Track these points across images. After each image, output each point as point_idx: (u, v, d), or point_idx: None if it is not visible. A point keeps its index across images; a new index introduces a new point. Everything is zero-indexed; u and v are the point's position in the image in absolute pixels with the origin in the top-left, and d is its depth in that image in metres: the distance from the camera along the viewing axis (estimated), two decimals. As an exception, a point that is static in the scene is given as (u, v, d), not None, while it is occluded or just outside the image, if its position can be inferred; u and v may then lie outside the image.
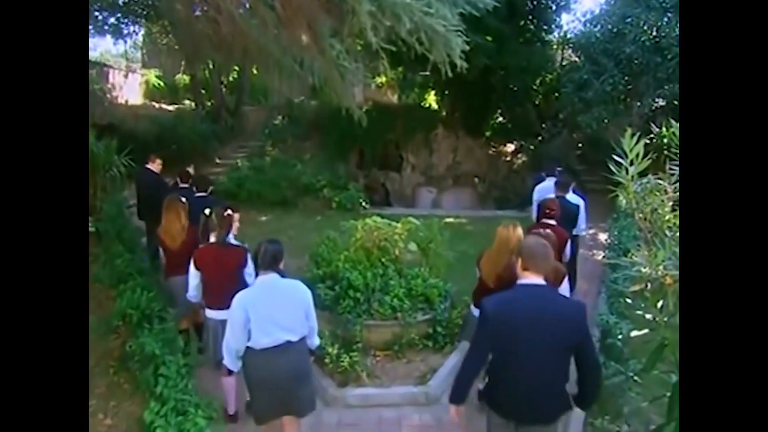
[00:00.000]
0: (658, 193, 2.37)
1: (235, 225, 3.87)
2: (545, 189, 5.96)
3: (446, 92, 15.05)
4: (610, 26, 10.86)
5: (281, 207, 10.59)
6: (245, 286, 3.34)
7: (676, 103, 9.76)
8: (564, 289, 3.40)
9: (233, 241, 3.82)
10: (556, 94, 13.52)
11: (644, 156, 2.30)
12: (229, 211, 3.79)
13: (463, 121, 14.22)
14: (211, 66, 13.63)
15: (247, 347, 2.91)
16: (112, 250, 5.60)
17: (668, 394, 2.31)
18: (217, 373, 3.69)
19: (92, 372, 4.09)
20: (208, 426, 3.03)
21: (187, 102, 16.02)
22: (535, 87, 14.51)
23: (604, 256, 6.91)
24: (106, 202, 7.32)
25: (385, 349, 4.60)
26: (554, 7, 12.90)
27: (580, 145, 13.79)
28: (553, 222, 4.32)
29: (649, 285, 2.26)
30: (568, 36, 13.81)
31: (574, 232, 5.24)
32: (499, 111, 15.02)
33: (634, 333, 2.92)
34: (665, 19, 10.07)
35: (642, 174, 2.37)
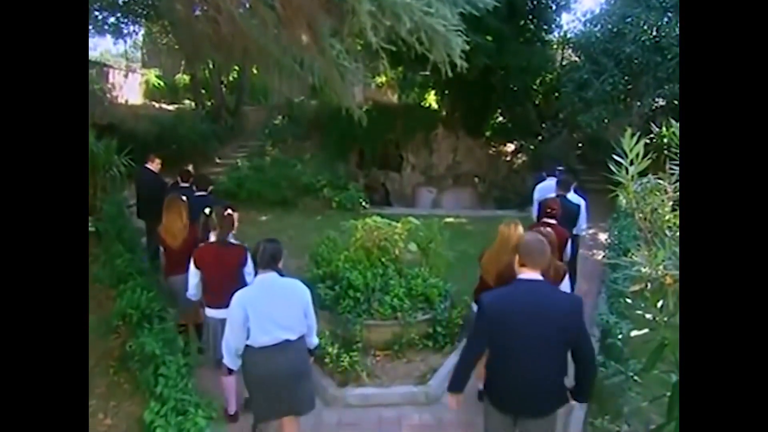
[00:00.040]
0: (658, 193, 2.37)
1: (235, 224, 3.88)
2: (546, 188, 5.97)
3: (446, 92, 15.05)
4: (610, 26, 10.86)
5: (281, 207, 10.60)
6: (245, 285, 3.34)
7: (676, 102, 9.76)
8: (565, 287, 3.42)
9: (233, 240, 3.82)
10: (556, 94, 13.52)
11: (644, 156, 2.30)
12: (230, 211, 3.81)
13: (463, 120, 14.22)
14: (211, 66, 13.63)
15: (246, 345, 2.93)
16: (112, 250, 5.60)
17: (668, 393, 2.31)
18: (217, 372, 3.69)
19: (92, 372, 4.09)
20: (208, 426, 3.02)
21: (187, 102, 16.01)
22: (535, 87, 14.51)
23: (604, 256, 6.91)
24: (106, 202, 7.32)
25: (385, 348, 4.60)
26: (554, 7, 12.89)
27: (580, 144, 13.79)
28: (553, 221, 4.32)
29: (649, 285, 2.26)
30: (568, 36, 13.81)
31: (575, 232, 5.24)
32: (499, 111, 15.02)
33: (634, 333, 2.92)
34: (665, 19, 10.08)
35: (642, 174, 2.37)
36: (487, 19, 7.65)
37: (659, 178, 2.38)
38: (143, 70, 17.87)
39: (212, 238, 3.83)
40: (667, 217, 2.35)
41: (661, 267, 2.15)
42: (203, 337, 3.98)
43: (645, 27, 10.25)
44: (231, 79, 16.84)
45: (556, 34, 14.07)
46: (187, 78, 16.43)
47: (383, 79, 16.35)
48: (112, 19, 11.32)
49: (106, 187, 7.78)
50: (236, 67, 14.39)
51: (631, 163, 2.32)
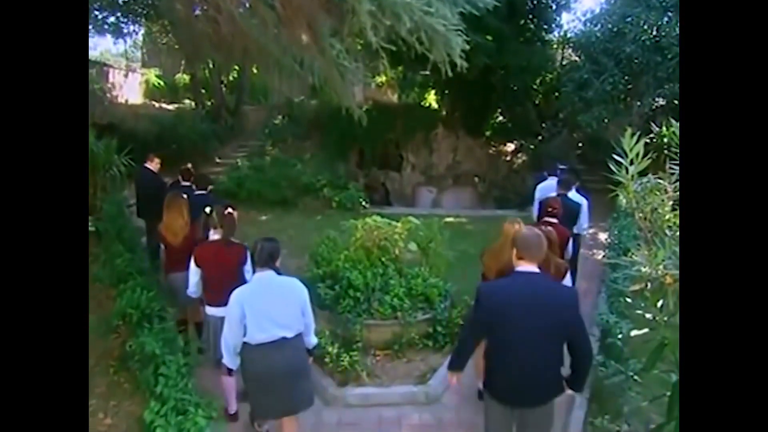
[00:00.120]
0: (658, 193, 2.37)
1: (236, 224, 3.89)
2: (547, 188, 5.97)
3: (446, 92, 15.04)
4: (610, 26, 10.86)
5: (281, 206, 10.60)
6: (245, 283, 3.35)
7: (676, 102, 9.76)
8: (566, 284, 3.43)
9: (232, 239, 3.83)
10: (557, 94, 13.52)
11: (644, 155, 2.30)
12: (230, 210, 3.84)
13: (463, 120, 14.22)
14: (211, 65, 13.61)
15: (244, 343, 2.97)
16: (112, 250, 5.60)
17: (668, 393, 2.32)
18: (217, 372, 3.70)
19: (92, 371, 4.09)
20: (208, 425, 3.02)
21: (187, 101, 15.99)
22: (535, 86, 14.50)
23: (604, 256, 6.91)
24: (106, 201, 7.32)
25: (385, 348, 4.60)
26: (554, 7, 12.88)
27: (580, 144, 13.79)
28: (554, 220, 4.32)
29: (649, 284, 2.26)
30: (569, 35, 13.81)
31: (576, 231, 5.24)
32: (499, 110, 15.01)
33: (634, 332, 2.93)
34: (665, 19, 10.08)
35: (642, 173, 2.37)
36: (487, 19, 7.64)
37: (659, 178, 2.38)
38: (143, 69, 17.86)
39: (213, 236, 3.84)
40: (667, 217, 2.35)
41: (661, 267, 2.15)
42: (203, 336, 4.00)
43: (645, 27, 10.25)
44: (231, 78, 16.83)
45: (556, 33, 14.08)
46: (187, 78, 16.42)
47: (383, 78, 16.34)
48: (112, 19, 11.31)
49: (106, 187, 7.79)
50: (236, 67, 14.38)
51: (631, 163, 2.32)
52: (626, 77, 10.82)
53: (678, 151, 2.14)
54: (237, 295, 2.93)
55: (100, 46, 25.68)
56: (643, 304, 2.41)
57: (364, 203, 10.84)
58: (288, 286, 3.03)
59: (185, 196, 4.71)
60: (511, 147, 14.74)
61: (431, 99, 16.60)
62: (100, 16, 10.83)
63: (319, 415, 3.84)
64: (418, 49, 4.20)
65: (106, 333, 4.50)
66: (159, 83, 17.07)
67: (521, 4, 11.94)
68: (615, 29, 10.66)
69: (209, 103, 15.33)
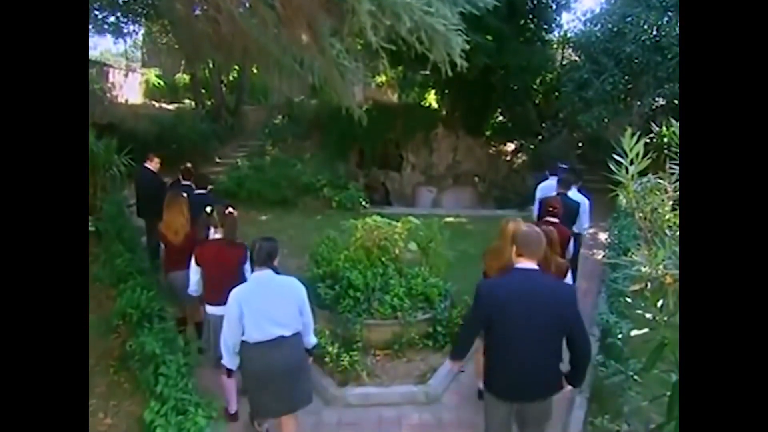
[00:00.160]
0: (658, 193, 2.37)
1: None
2: (548, 187, 5.96)
3: (446, 91, 15.03)
4: (610, 25, 10.86)
5: (281, 206, 10.59)
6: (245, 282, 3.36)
7: (676, 102, 9.75)
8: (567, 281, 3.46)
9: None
10: (557, 94, 13.52)
11: (644, 155, 2.30)
12: (231, 209, 3.85)
13: (464, 120, 14.21)
14: (211, 65, 13.61)
15: (242, 341, 2.99)
16: (112, 250, 5.60)
17: (668, 393, 2.32)
18: (218, 371, 3.70)
19: (92, 371, 4.09)
20: (208, 425, 3.03)
21: (187, 101, 16.00)
22: (535, 86, 14.49)
23: (604, 256, 6.91)
24: (106, 201, 7.33)
25: (385, 348, 4.60)
26: (554, 7, 12.88)
27: (580, 144, 13.78)
28: (555, 220, 4.32)
29: (649, 284, 2.26)
30: (569, 35, 13.81)
31: (577, 230, 5.25)
32: (499, 110, 15.00)
33: (634, 332, 2.93)
34: (665, 19, 10.07)
35: (642, 173, 2.37)
36: (487, 19, 7.63)
37: (659, 178, 2.38)
38: (143, 69, 17.86)
39: (214, 235, 3.85)
40: (667, 217, 2.35)
41: (661, 266, 2.15)
42: (204, 335, 4.00)
43: (645, 26, 10.24)
44: (231, 78, 16.83)
45: (556, 33, 14.07)
46: (187, 77, 16.41)
47: (383, 78, 16.34)
48: (112, 19, 11.32)
49: (106, 187, 7.79)
50: (236, 67, 14.37)
51: (631, 163, 2.32)
52: (626, 77, 10.82)
53: (678, 150, 2.14)
54: (235, 294, 2.95)
55: (100, 46, 25.75)
56: (643, 304, 2.41)
57: (364, 203, 10.84)
58: (286, 285, 3.05)
59: (185, 195, 4.73)
60: (511, 147, 14.73)
61: (431, 99, 16.60)
62: (100, 16, 10.84)
63: (319, 415, 3.84)
64: (418, 48, 4.20)
65: (106, 333, 4.50)
66: (159, 83, 17.07)
67: (521, 4, 11.93)
68: (615, 29, 10.66)
69: (209, 103, 15.33)
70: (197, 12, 6.14)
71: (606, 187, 3.05)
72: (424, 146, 13.93)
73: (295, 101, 15.36)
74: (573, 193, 5.42)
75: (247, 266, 3.68)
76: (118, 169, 7.82)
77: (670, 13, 10.05)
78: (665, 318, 2.27)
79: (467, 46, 4.36)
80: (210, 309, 3.73)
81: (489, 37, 10.49)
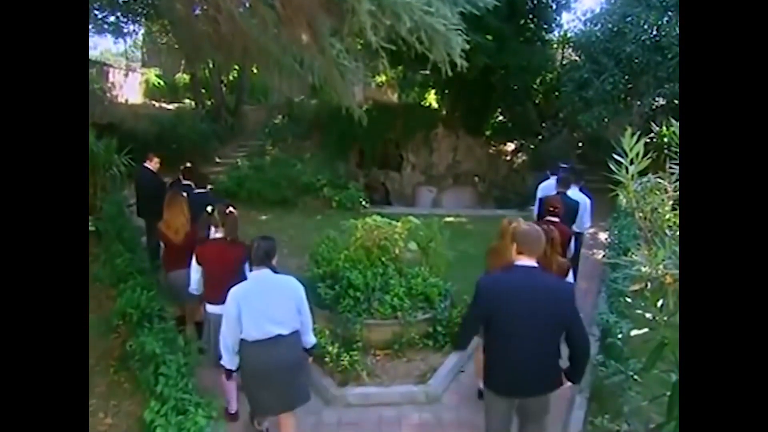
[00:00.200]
0: (658, 192, 2.37)
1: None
2: (549, 187, 5.96)
3: (446, 91, 15.03)
4: (610, 25, 10.86)
5: (281, 206, 10.59)
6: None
7: (676, 102, 9.75)
8: (568, 281, 3.49)
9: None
10: (557, 93, 13.51)
11: (644, 155, 2.30)
12: (231, 209, 3.86)
13: (464, 120, 14.21)
14: (211, 65, 13.59)
15: (240, 339, 3.01)
16: (112, 250, 5.60)
17: (668, 393, 2.31)
18: (218, 370, 3.70)
19: (92, 371, 4.09)
20: (208, 425, 3.03)
21: (187, 101, 15.99)
22: (535, 86, 14.49)
23: (604, 255, 6.91)
24: (106, 201, 7.33)
25: (385, 348, 4.60)
26: (554, 6, 12.87)
27: (580, 144, 13.78)
28: (557, 219, 4.33)
29: (649, 284, 2.26)
30: (569, 35, 13.81)
31: (578, 230, 5.26)
32: (500, 110, 15.00)
33: (634, 332, 2.93)
34: (666, 18, 10.07)
35: (642, 173, 2.37)
36: (487, 19, 7.64)
37: (659, 178, 2.38)
38: (143, 69, 17.86)
39: (216, 234, 3.86)
40: (667, 217, 2.35)
41: (661, 266, 2.15)
42: (204, 335, 4.01)
43: (645, 26, 10.24)
44: (231, 78, 16.81)
45: (556, 33, 14.08)
46: (187, 77, 16.40)
47: (383, 78, 16.33)
48: (112, 19, 11.32)
49: (106, 187, 7.79)
50: (236, 67, 14.35)
51: (631, 163, 2.32)
52: (626, 77, 10.81)
53: (678, 150, 2.14)
54: (234, 293, 2.98)
55: (100, 46, 25.80)
56: (643, 304, 2.41)
57: (364, 203, 10.84)
58: (284, 283, 3.08)
59: (185, 194, 4.74)
60: (511, 147, 14.73)
61: (431, 99, 16.59)
62: (100, 16, 10.84)
63: (320, 415, 3.84)
64: (418, 48, 4.20)
65: (106, 333, 4.50)
66: (159, 83, 17.07)
67: (521, 3, 11.93)
68: (615, 29, 10.66)
69: (209, 103, 15.32)
70: (197, 12, 6.14)
71: (606, 187, 3.05)
72: (424, 146, 13.93)
73: (295, 101, 15.35)
74: (572, 192, 5.42)
75: (248, 265, 3.68)
76: (118, 169, 7.82)
77: (670, 13, 10.05)
78: (665, 318, 2.26)
79: (467, 46, 4.36)
80: (210, 308, 3.74)
81: (489, 37, 10.49)
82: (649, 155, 2.30)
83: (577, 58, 12.69)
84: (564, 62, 14.17)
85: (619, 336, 3.86)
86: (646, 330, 2.52)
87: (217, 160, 13.02)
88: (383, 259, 4.99)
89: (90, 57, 14.24)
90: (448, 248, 5.55)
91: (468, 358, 4.53)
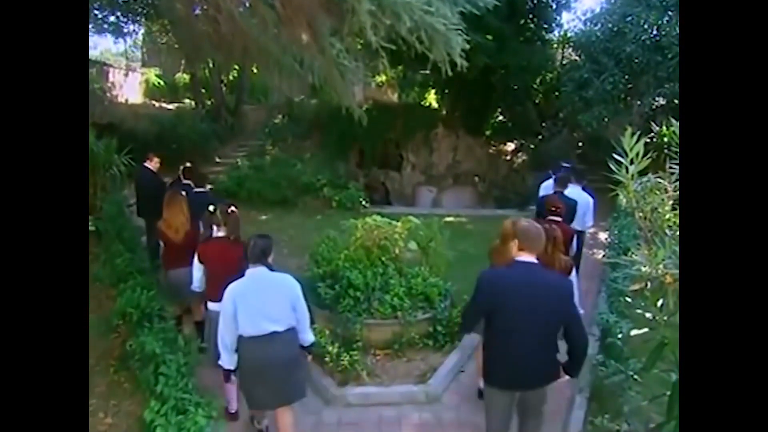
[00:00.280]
0: (658, 192, 2.37)
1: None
2: (551, 186, 5.96)
3: (446, 91, 15.02)
4: (610, 25, 10.85)
5: (281, 206, 10.59)
6: None
7: (676, 102, 9.74)
8: (572, 279, 3.53)
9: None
10: (557, 93, 13.50)
11: (644, 155, 2.30)
12: (233, 208, 3.87)
13: (464, 120, 14.20)
14: (211, 65, 13.59)
15: (237, 336, 3.05)
16: (112, 249, 5.60)
17: (668, 392, 2.31)
18: (218, 369, 3.70)
19: (92, 371, 4.09)
20: (208, 425, 3.03)
21: (187, 101, 15.98)
22: (535, 86, 14.48)
23: (604, 255, 6.91)
24: (106, 201, 7.33)
25: (385, 347, 4.60)
26: (554, 6, 12.86)
27: (580, 144, 13.77)
28: (559, 219, 4.34)
29: (649, 284, 2.26)
30: (569, 35, 13.79)
31: (580, 228, 5.27)
32: (500, 110, 14.99)
33: (634, 332, 2.93)
34: (666, 18, 10.06)
35: (642, 173, 2.37)
36: (487, 18, 7.64)
37: (659, 177, 2.38)
38: (143, 69, 17.85)
39: (218, 233, 3.87)
40: (667, 216, 2.35)
41: (661, 266, 2.15)
42: (205, 333, 4.03)
43: (645, 26, 10.24)
44: (231, 78, 16.80)
45: (556, 33, 14.06)
46: (187, 77, 16.40)
47: (383, 78, 16.33)
48: (112, 18, 11.32)
49: (106, 187, 7.79)
50: (236, 67, 14.34)
51: (632, 162, 2.32)
52: (626, 77, 10.80)
53: (678, 150, 2.14)
54: (230, 290, 3.03)
55: (100, 46, 25.78)
56: (643, 304, 2.42)
57: (364, 203, 10.83)
58: (279, 281, 3.11)
59: (184, 193, 4.75)
60: (511, 146, 14.72)
61: (431, 98, 16.58)
62: (100, 16, 10.84)
63: (320, 415, 3.84)
64: (418, 48, 4.20)
65: (106, 332, 4.50)
66: (159, 83, 17.06)
67: (521, 3, 11.93)
68: (615, 29, 10.65)
69: (209, 103, 15.31)
70: (197, 12, 6.14)
71: (606, 187, 3.05)
72: (424, 146, 13.93)
73: (295, 101, 15.34)
74: (571, 192, 5.43)
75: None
76: (118, 169, 7.82)
77: (670, 13, 10.04)
78: (665, 318, 2.27)
79: (467, 46, 4.36)
80: (212, 306, 3.75)
81: (489, 37, 10.48)
82: (649, 155, 2.30)
83: (577, 57, 12.68)
84: (564, 62, 14.16)
85: (619, 336, 3.86)
86: (646, 330, 2.52)
87: (217, 159, 13.01)
88: (383, 258, 4.99)
89: (90, 57, 14.24)
90: (448, 248, 5.55)
91: (468, 358, 4.54)
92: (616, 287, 4.70)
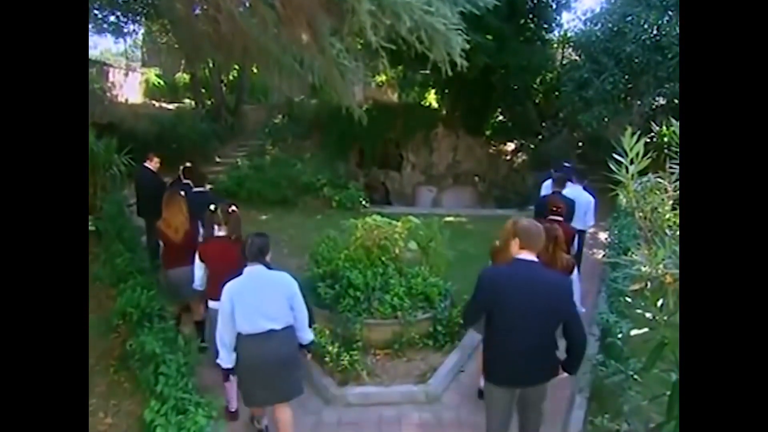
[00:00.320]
0: (658, 192, 2.37)
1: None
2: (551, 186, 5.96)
3: (446, 91, 15.02)
4: (610, 25, 10.85)
5: (281, 206, 10.59)
6: None
7: (676, 101, 9.74)
8: (574, 278, 3.55)
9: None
10: (557, 93, 13.50)
11: (644, 155, 2.30)
12: (234, 208, 3.88)
13: (464, 119, 14.20)
14: (211, 65, 13.59)
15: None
16: (112, 249, 5.60)
17: (668, 392, 2.31)
18: (218, 368, 3.70)
19: (92, 371, 4.09)
20: (208, 424, 3.03)
21: (187, 101, 15.97)
22: (535, 86, 14.48)
23: (604, 255, 6.91)
24: (106, 201, 7.33)
25: (385, 347, 4.60)
26: (554, 6, 12.86)
27: (580, 143, 13.76)
28: (560, 218, 4.35)
29: (649, 284, 2.26)
30: (569, 35, 13.79)
31: (580, 227, 5.29)
32: (500, 110, 14.99)
33: (634, 332, 2.94)
34: (666, 18, 10.06)
35: (642, 173, 2.37)
36: (487, 18, 7.64)
37: (659, 177, 2.38)
38: (143, 69, 17.85)
39: (219, 232, 3.87)
40: (667, 216, 2.35)
41: (661, 266, 2.15)
42: (206, 332, 4.03)
43: (645, 26, 10.23)
44: (231, 78, 16.80)
45: (556, 33, 14.05)
46: (187, 77, 16.39)
47: (383, 78, 16.32)
48: (112, 18, 11.32)
49: (106, 186, 7.79)
50: (236, 67, 14.33)
51: (632, 162, 2.32)
52: (626, 76, 10.80)
53: (678, 150, 2.13)
54: (228, 289, 3.04)
55: (100, 46, 25.76)
56: (643, 304, 2.42)
57: (364, 203, 10.83)
58: (277, 279, 3.13)
59: (183, 193, 4.76)
60: (511, 146, 14.72)
61: (431, 98, 16.58)
62: (100, 16, 10.84)
63: (320, 415, 3.85)
64: (418, 48, 4.20)
65: (107, 332, 4.50)
66: (159, 83, 17.06)
67: (521, 3, 11.92)
68: (615, 28, 10.65)
69: (209, 103, 15.31)
70: (197, 12, 6.14)
71: (606, 187, 3.05)
72: (424, 146, 13.93)
73: (295, 101, 15.34)
74: (571, 191, 5.44)
75: None
76: (118, 169, 7.82)
77: (670, 13, 10.04)
78: (665, 318, 2.26)
79: (467, 46, 4.36)
80: (213, 304, 3.75)
81: (489, 37, 10.48)
82: (649, 155, 2.30)
83: (577, 57, 12.67)
84: (564, 62, 14.15)
85: (619, 336, 3.86)
86: (646, 330, 2.52)
87: (217, 159, 13.01)
88: (383, 258, 4.99)
89: (90, 57, 14.23)
90: (448, 248, 5.55)
91: (468, 357, 4.54)
92: (616, 287, 4.70)
